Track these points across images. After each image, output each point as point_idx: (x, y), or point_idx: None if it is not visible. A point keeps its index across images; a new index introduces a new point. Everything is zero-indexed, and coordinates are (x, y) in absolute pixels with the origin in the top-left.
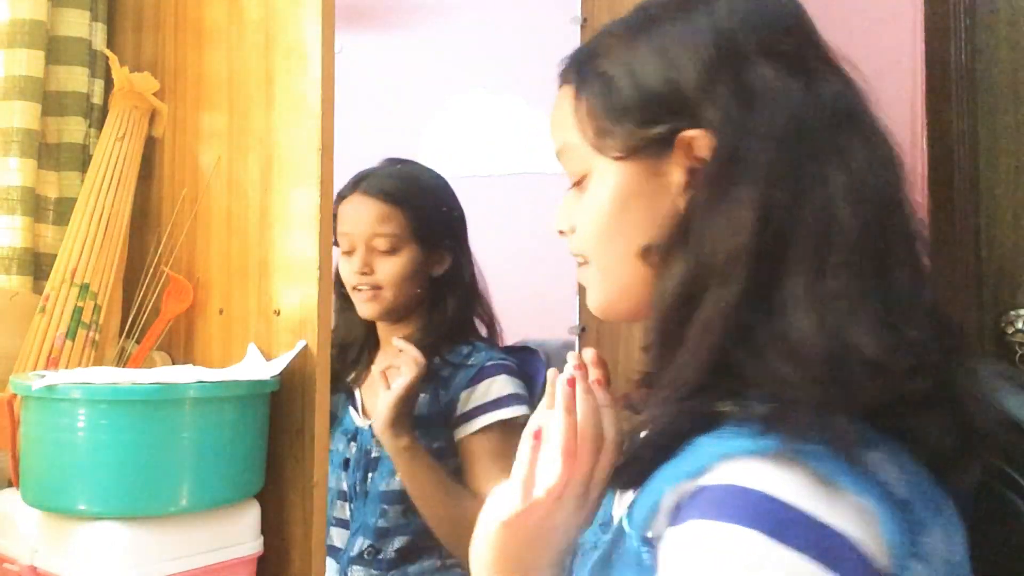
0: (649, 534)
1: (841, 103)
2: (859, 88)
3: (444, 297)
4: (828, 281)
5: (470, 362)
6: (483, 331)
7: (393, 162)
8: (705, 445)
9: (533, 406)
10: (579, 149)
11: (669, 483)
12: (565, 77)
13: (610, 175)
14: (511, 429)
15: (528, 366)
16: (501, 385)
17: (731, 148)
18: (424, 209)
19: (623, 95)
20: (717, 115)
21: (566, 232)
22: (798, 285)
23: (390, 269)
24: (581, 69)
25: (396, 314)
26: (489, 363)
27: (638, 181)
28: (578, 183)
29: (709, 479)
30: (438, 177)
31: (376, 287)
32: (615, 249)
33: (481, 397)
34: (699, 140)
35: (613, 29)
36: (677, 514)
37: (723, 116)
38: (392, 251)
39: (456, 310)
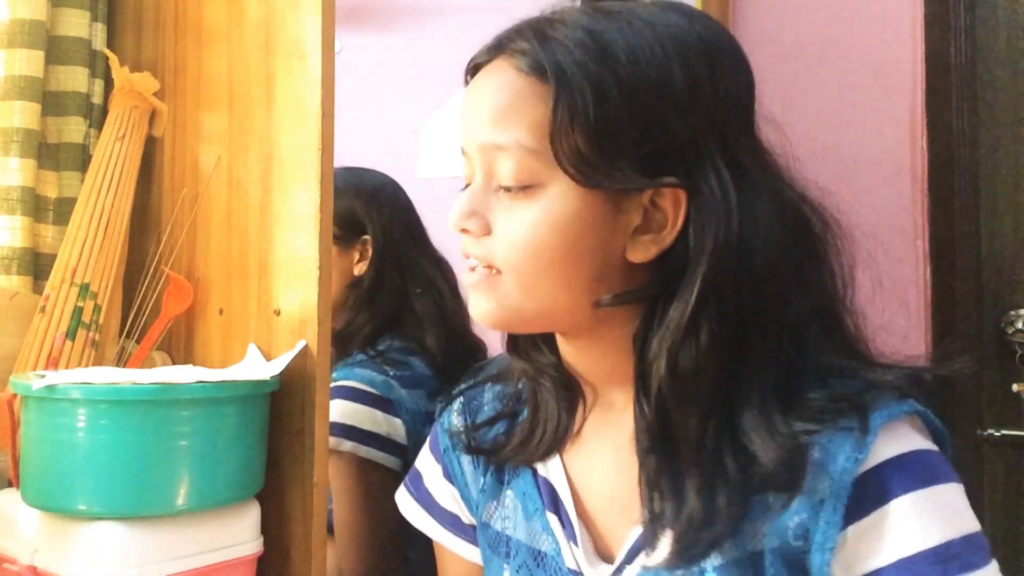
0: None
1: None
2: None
3: (371, 294)
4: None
5: (334, 377)
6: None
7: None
8: (846, 436)
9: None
10: (536, 159)
11: (839, 478)
12: (522, 52)
13: (571, 200)
14: (339, 460)
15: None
16: (333, 411)
17: (725, 222)
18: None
19: (616, 121)
20: (712, 180)
21: (472, 232)
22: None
23: None
24: (558, 61)
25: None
26: (335, 383)
27: (600, 213)
28: (509, 189)
29: (879, 456)
30: (360, 174)
31: None
32: (552, 277)
33: None
34: (677, 197)
35: (594, 26)
36: (864, 500)
37: (719, 183)
38: None
39: (368, 316)
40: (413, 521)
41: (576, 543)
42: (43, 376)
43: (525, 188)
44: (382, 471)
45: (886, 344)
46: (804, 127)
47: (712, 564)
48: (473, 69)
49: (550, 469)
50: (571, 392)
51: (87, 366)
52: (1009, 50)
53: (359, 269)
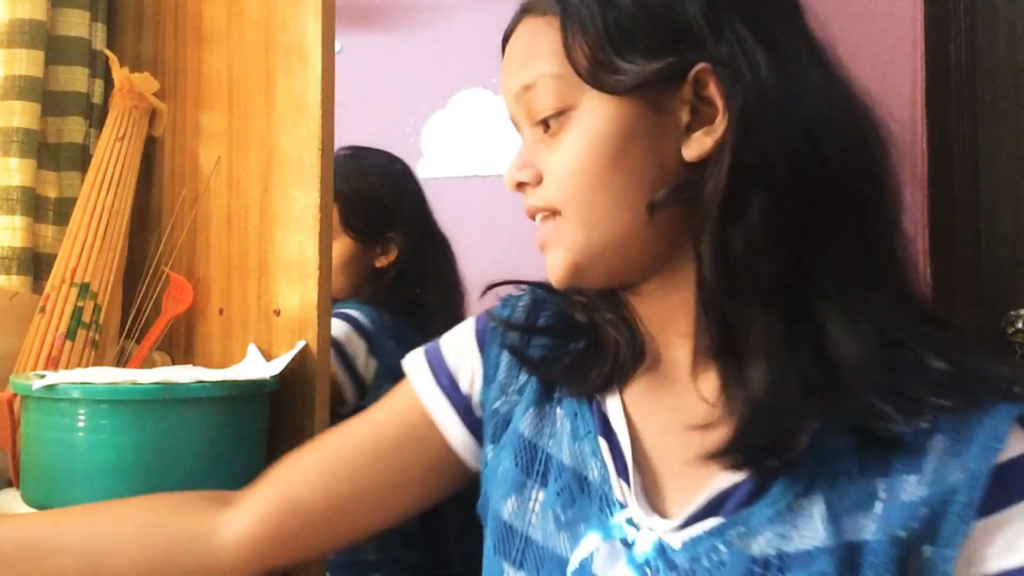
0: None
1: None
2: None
3: (390, 290)
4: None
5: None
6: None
7: (344, 150)
8: (978, 422)
9: None
10: (562, 81)
11: (977, 466)
12: (538, 5)
13: (606, 112)
14: None
15: None
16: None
17: (762, 92)
18: (354, 200)
19: (627, 19)
20: (732, 50)
21: (529, 183)
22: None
23: None
24: None
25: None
26: (340, 309)
27: (640, 119)
28: (545, 123)
29: (1015, 449)
30: (385, 167)
31: None
32: (608, 198)
33: None
34: (709, 76)
35: None
36: (999, 494)
37: (741, 52)
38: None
39: (397, 304)
40: (411, 372)
41: (628, 482)
42: (43, 376)
43: (559, 115)
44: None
45: None
46: None
47: (796, 547)
48: (504, 41)
49: (607, 401)
50: (635, 340)
51: (87, 366)
52: (1009, 50)
53: (381, 262)
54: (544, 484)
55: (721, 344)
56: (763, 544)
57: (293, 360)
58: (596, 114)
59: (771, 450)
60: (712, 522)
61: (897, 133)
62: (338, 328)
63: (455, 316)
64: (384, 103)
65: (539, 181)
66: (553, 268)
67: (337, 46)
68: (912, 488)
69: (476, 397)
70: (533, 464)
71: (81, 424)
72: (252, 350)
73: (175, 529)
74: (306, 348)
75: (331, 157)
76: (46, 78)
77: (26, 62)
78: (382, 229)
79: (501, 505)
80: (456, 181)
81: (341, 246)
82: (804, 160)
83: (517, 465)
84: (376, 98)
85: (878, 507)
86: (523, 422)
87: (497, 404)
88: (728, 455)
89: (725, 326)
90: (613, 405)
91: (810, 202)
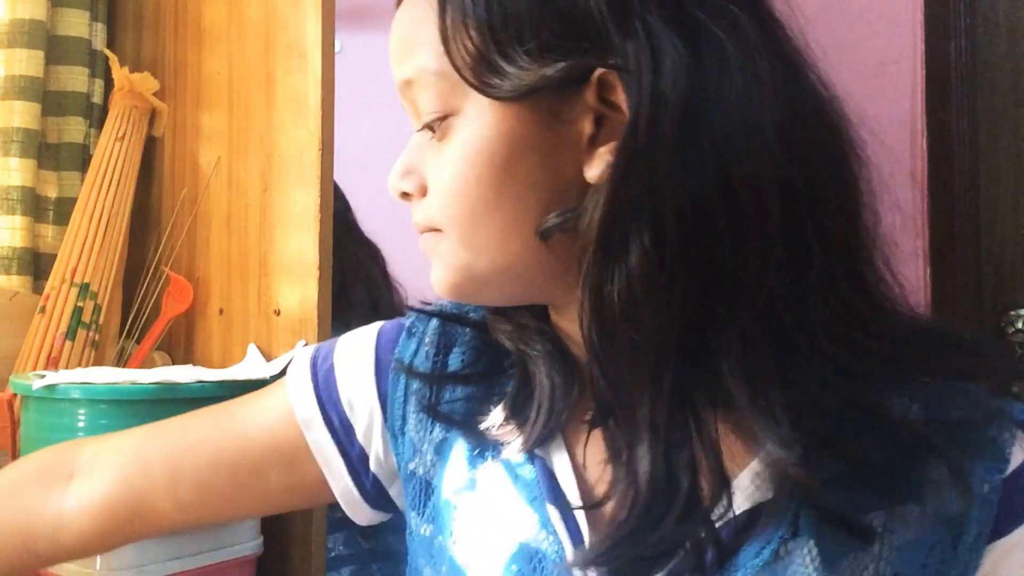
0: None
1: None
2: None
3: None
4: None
5: None
6: None
7: None
8: (971, 435)
9: None
10: (443, 80)
11: (984, 490)
12: None
13: (490, 120)
14: None
15: None
16: None
17: (684, 98)
18: None
19: (514, 7)
20: (637, 47)
21: (412, 194)
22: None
23: None
24: None
25: None
26: None
27: (534, 130)
28: (431, 127)
29: (1017, 460)
30: None
31: None
32: (493, 223)
33: None
34: (616, 79)
35: None
36: (1010, 514)
37: (648, 49)
38: None
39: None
40: (295, 398)
41: (585, 546)
42: (43, 376)
43: (442, 119)
44: None
45: None
46: None
47: None
48: (397, 4)
49: (552, 453)
50: (567, 363)
51: (87, 366)
52: (1009, 50)
53: None
54: (490, 560)
55: (602, 411)
56: None
57: None
58: (479, 123)
59: (653, 560)
60: None
61: (897, 133)
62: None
63: (382, 314)
64: (384, 103)
65: (424, 192)
66: (436, 283)
67: (337, 46)
68: (914, 521)
69: (376, 449)
70: (472, 539)
71: (81, 424)
72: (252, 350)
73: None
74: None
75: (331, 157)
76: (46, 78)
77: (26, 62)
78: None
79: None
80: None
81: None
82: (708, 192)
83: (455, 543)
84: (376, 98)
85: (876, 546)
86: (450, 490)
87: (412, 466)
88: (599, 554)
89: (606, 389)
90: (558, 458)
91: (712, 248)
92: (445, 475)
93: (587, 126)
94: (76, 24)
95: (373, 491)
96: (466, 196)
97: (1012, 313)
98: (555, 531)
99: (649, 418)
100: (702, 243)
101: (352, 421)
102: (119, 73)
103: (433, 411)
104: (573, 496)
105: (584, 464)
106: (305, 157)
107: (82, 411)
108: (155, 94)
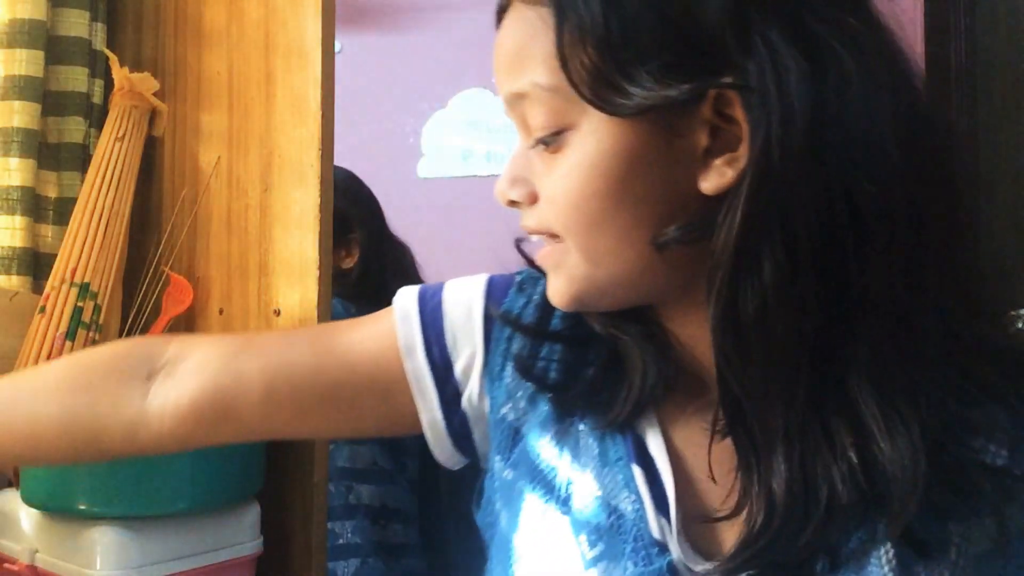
0: None
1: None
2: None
3: (355, 286)
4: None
5: None
6: None
7: None
8: None
9: None
10: (558, 96)
11: None
12: None
13: (609, 136)
14: None
15: None
16: None
17: (810, 114)
18: None
19: (635, 25)
20: (761, 65)
21: (520, 203)
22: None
23: None
24: None
25: None
26: None
27: (650, 145)
28: (544, 140)
29: None
30: (336, 174)
31: None
32: (610, 234)
33: None
34: (734, 94)
35: None
36: None
37: (772, 66)
38: None
39: (365, 298)
40: (401, 328)
41: (669, 521)
42: None
43: (557, 134)
44: None
45: None
46: None
47: None
48: (498, 15)
49: (643, 424)
50: (666, 359)
51: None
52: (1009, 50)
53: (346, 264)
54: (567, 511)
55: (734, 421)
56: None
57: None
58: (597, 138)
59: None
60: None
61: None
62: None
63: None
64: (384, 103)
65: (534, 201)
66: (554, 294)
67: (337, 46)
68: (993, 531)
69: (471, 390)
70: (553, 490)
71: None
72: None
73: (102, 402)
74: None
75: (331, 157)
76: (46, 78)
77: (26, 62)
78: (344, 231)
79: (512, 528)
80: (456, 181)
81: None
82: (835, 206)
83: (535, 489)
84: (376, 98)
85: (952, 553)
86: (539, 442)
87: (504, 410)
88: (739, 564)
89: (737, 400)
90: (650, 428)
91: (840, 260)
92: (534, 425)
93: (703, 139)
94: (76, 24)
95: (460, 429)
96: (584, 208)
97: (1012, 313)
98: (638, 492)
99: (783, 428)
100: (831, 256)
101: (453, 358)
102: (119, 73)
103: (526, 369)
104: (663, 463)
105: (675, 445)
106: (305, 157)
107: None
108: (155, 94)
